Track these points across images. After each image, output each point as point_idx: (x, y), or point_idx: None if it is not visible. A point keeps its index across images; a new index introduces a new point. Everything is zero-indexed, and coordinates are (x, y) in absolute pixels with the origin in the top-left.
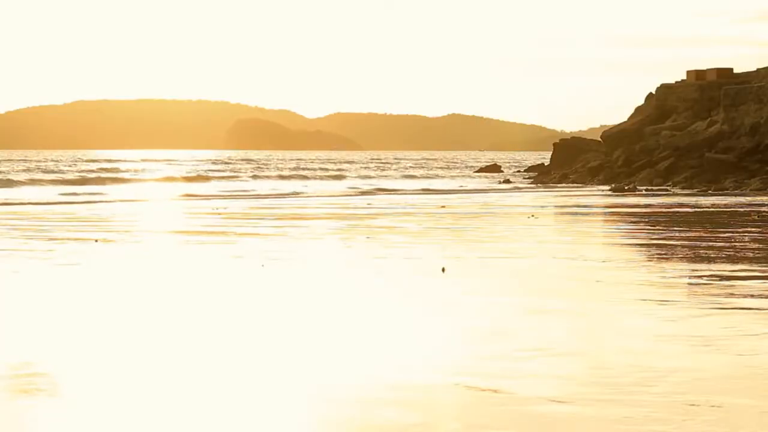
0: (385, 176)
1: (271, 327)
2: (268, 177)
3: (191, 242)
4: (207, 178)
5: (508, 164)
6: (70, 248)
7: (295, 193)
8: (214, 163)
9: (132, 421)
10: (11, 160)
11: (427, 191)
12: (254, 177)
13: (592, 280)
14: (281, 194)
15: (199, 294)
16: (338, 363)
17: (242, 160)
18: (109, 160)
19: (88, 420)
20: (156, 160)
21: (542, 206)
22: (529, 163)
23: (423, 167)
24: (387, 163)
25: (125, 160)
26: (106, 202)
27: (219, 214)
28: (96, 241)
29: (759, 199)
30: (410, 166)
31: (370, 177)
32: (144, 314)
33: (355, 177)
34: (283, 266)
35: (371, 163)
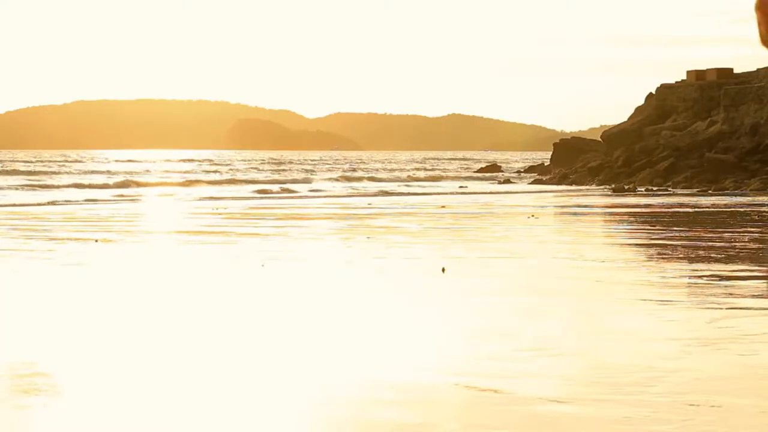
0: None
1: (271, 327)
2: (359, 178)
3: (192, 242)
4: (309, 180)
5: (508, 164)
6: (70, 248)
7: (428, 193)
8: (267, 162)
9: (132, 421)
10: (51, 161)
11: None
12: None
13: (592, 280)
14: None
15: (200, 294)
16: (337, 363)
17: (276, 160)
18: (140, 161)
19: (89, 420)
20: (193, 161)
21: (542, 206)
22: (529, 163)
23: (459, 167)
24: (415, 161)
25: (178, 161)
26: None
27: (219, 214)
28: (96, 241)
29: (759, 199)
30: (451, 166)
31: (451, 179)
32: (144, 314)
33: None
34: (283, 266)
35: (393, 162)
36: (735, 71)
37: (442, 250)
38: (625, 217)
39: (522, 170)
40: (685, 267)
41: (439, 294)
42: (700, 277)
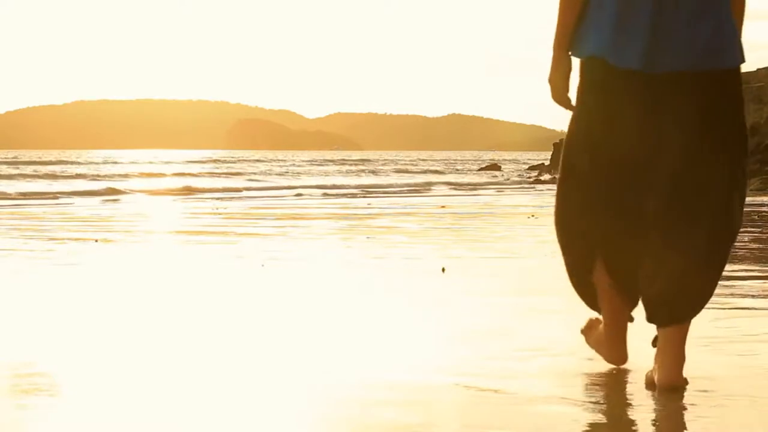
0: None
1: (271, 327)
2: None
3: (192, 242)
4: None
5: (508, 164)
6: (70, 248)
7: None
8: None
9: (132, 421)
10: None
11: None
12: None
13: None
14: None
15: (199, 293)
16: (337, 363)
17: (309, 161)
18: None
19: (89, 420)
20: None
21: (542, 206)
22: (530, 163)
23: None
24: (433, 161)
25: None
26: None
27: (219, 214)
28: (96, 241)
29: (759, 199)
30: (463, 166)
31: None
32: (144, 315)
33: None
34: (283, 266)
35: (405, 161)
36: None
37: (442, 250)
38: None
39: (522, 170)
40: None
41: (439, 294)
42: None
